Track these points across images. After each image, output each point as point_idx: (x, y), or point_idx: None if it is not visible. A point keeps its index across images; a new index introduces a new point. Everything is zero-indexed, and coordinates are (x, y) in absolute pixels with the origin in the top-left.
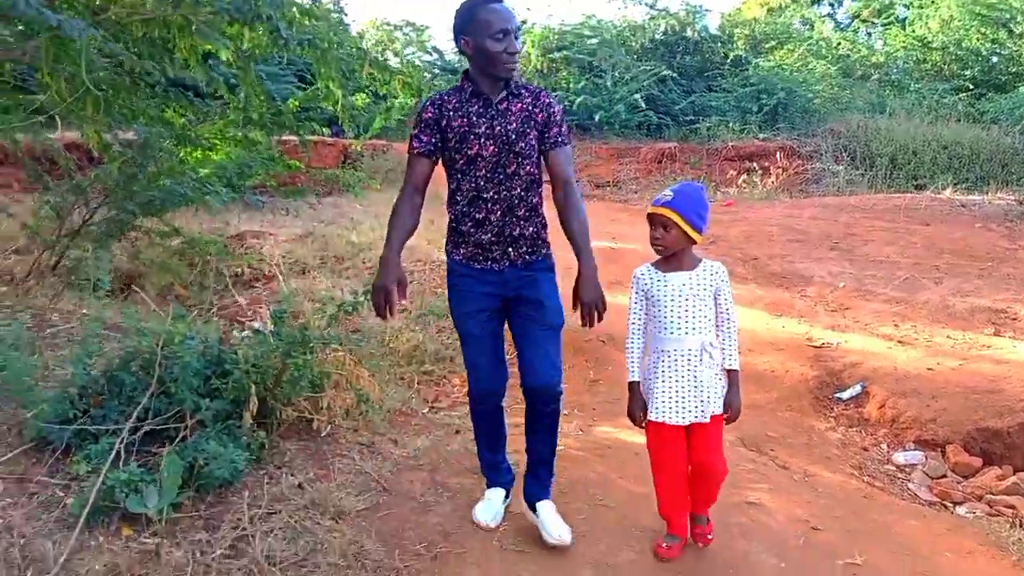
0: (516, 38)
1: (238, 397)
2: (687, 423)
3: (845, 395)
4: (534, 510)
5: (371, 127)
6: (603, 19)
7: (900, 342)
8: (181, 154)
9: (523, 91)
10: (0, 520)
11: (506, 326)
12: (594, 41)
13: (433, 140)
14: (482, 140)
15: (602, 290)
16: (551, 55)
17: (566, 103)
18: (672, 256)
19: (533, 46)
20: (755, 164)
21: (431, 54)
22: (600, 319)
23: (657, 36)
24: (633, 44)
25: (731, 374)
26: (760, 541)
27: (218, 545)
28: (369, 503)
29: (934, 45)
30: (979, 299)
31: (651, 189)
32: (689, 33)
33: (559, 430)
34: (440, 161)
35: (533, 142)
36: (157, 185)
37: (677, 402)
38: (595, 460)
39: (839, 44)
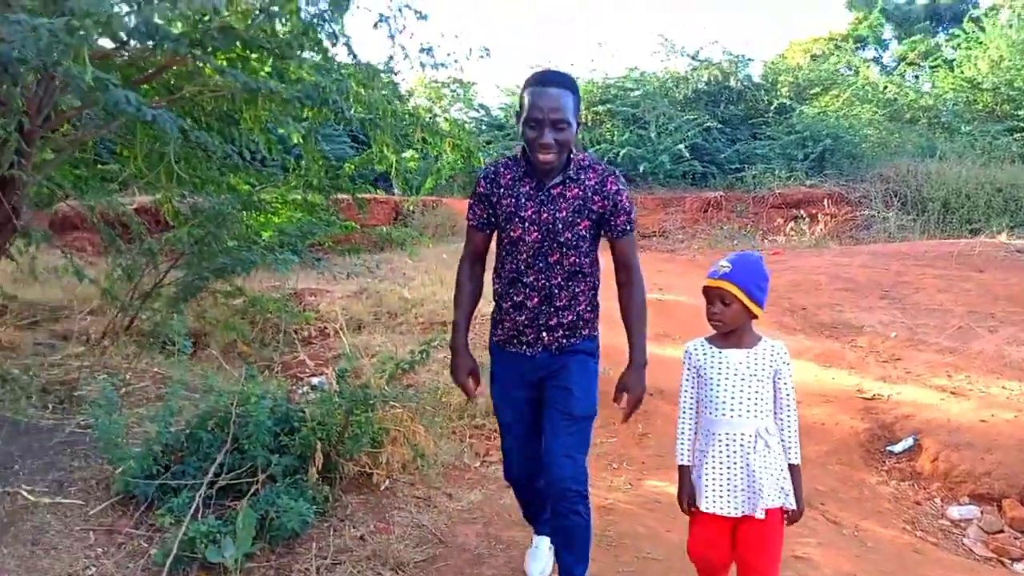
0: (557, 130)
1: (304, 453)
2: (737, 515)
3: (897, 448)
4: None
5: (423, 187)
6: (646, 71)
7: (953, 393)
8: (246, 219)
9: (587, 173)
10: (94, 568)
11: None
12: (637, 93)
13: (485, 215)
14: (526, 225)
15: (645, 385)
16: (595, 108)
17: (610, 155)
18: (730, 331)
19: None
20: (802, 212)
21: (478, 111)
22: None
23: (700, 86)
24: (676, 95)
25: (793, 469)
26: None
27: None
28: (426, 555)
29: (984, 86)
30: None
31: (697, 238)
32: (732, 82)
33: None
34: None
35: (583, 232)
36: (228, 251)
37: (729, 491)
38: (644, 514)
39: (886, 87)
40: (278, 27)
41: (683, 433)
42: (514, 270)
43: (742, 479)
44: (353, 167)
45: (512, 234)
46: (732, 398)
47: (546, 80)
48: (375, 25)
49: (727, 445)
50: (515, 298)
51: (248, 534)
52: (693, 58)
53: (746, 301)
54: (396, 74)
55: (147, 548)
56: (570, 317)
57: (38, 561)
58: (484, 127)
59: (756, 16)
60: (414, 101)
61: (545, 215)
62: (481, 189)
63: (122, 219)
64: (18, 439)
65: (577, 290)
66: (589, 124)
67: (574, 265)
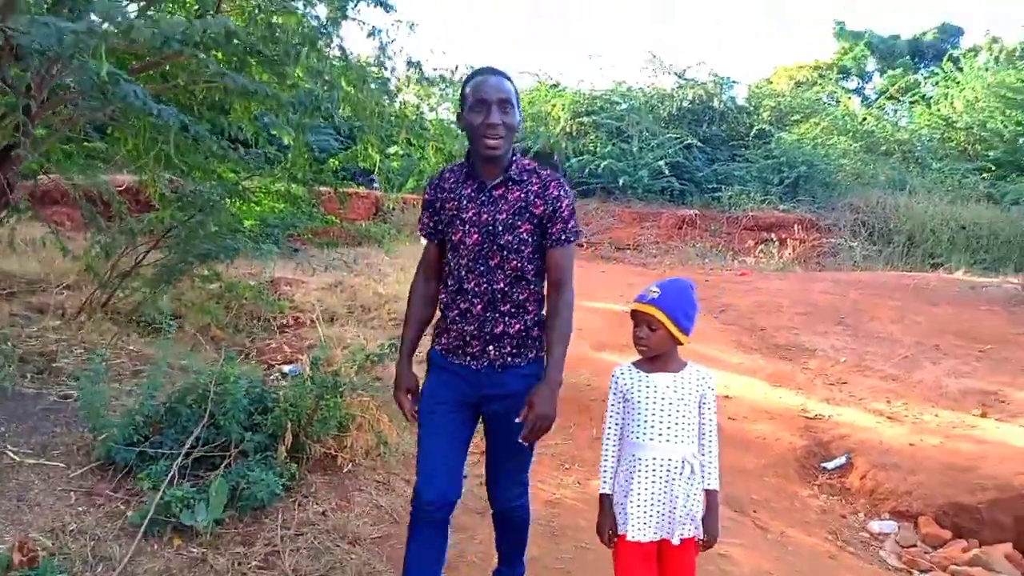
0: (503, 111)
1: (276, 432)
2: (655, 539)
3: (830, 465)
4: None
5: (404, 186)
6: (633, 86)
7: (889, 418)
8: (230, 207)
9: (530, 176)
10: (75, 525)
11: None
12: (623, 107)
13: (432, 223)
14: (466, 227)
15: (554, 409)
16: (580, 119)
17: (592, 166)
18: (656, 356)
19: (564, 109)
20: (773, 235)
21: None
22: (540, 435)
23: (684, 104)
24: (661, 112)
25: (710, 495)
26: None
27: (253, 558)
28: (382, 532)
29: (959, 125)
30: (973, 381)
31: (670, 254)
32: (716, 103)
33: (529, 539)
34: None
35: (525, 236)
36: (212, 237)
37: (651, 516)
38: (587, 510)
39: (865, 119)
40: (278, 34)
41: (606, 460)
42: (458, 277)
43: (665, 504)
44: (337, 162)
45: (454, 238)
46: (660, 422)
47: (486, 71)
48: (368, 35)
49: (653, 471)
50: (461, 306)
51: (220, 501)
52: (680, 76)
53: (671, 328)
54: (386, 72)
55: (124, 510)
56: (517, 326)
57: (23, 515)
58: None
59: (746, 39)
60: (402, 97)
61: (485, 216)
62: (428, 196)
63: (104, 197)
64: (3, 404)
65: (521, 297)
66: (573, 134)
67: (516, 270)
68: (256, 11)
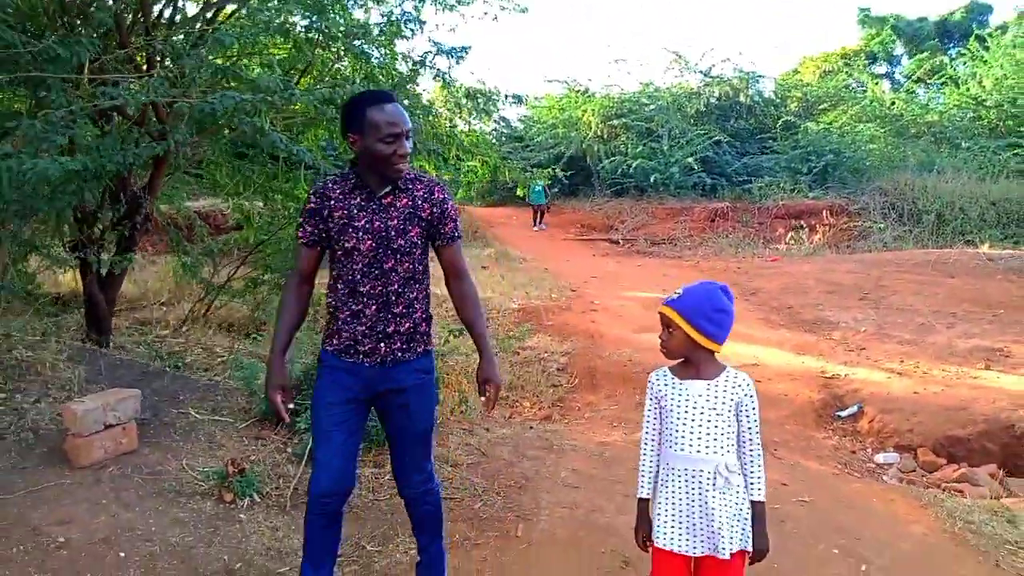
0: (408, 139)
1: None
2: (696, 554)
3: (844, 413)
4: None
5: (455, 197)
6: (660, 87)
7: (900, 374)
8: None
9: (415, 184)
10: (254, 455)
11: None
12: (651, 108)
13: (316, 231)
14: (360, 234)
15: (499, 373)
16: (610, 122)
17: (624, 166)
18: (690, 362)
19: (593, 114)
20: (803, 222)
21: (498, 123)
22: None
23: (712, 101)
24: (688, 110)
25: (756, 506)
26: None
27: (384, 476)
28: (473, 460)
29: (988, 103)
30: (982, 340)
31: (704, 246)
32: (742, 98)
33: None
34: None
35: (415, 239)
36: (287, 251)
37: (687, 529)
38: (633, 450)
39: (893, 103)
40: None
41: (644, 465)
42: (350, 281)
43: (701, 518)
44: None
45: (347, 245)
46: (691, 432)
47: (385, 98)
48: (434, 78)
49: (685, 481)
50: (353, 308)
51: None
52: (705, 75)
53: (688, 330)
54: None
55: (286, 447)
56: (407, 324)
57: (215, 452)
58: (504, 138)
59: (770, 34)
60: (436, 108)
61: (377, 223)
62: (312, 205)
63: (188, 222)
64: (176, 381)
65: (412, 296)
66: (605, 136)
67: (408, 271)
68: (361, 63)
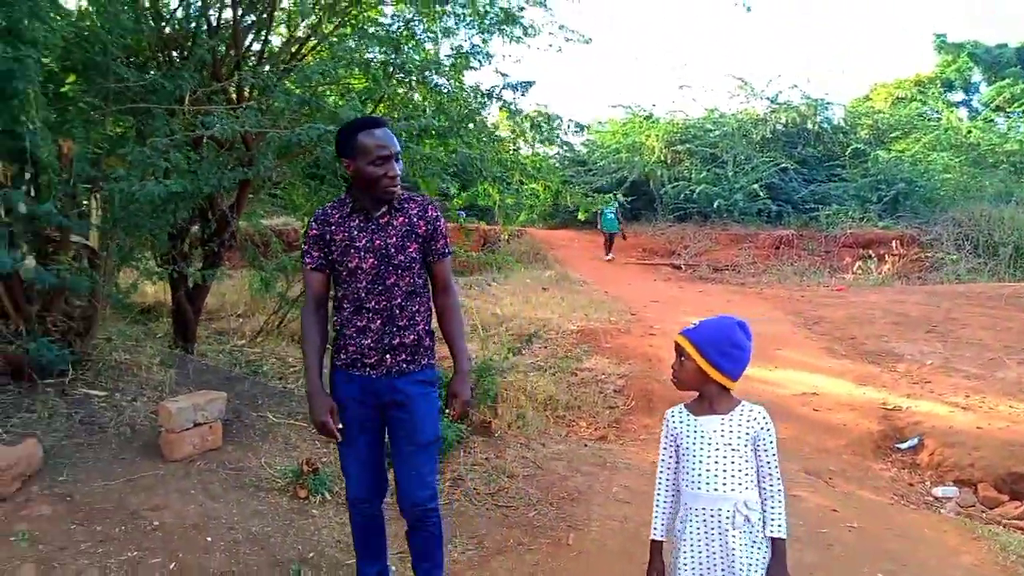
0: (397, 161)
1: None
2: None
3: (904, 445)
4: None
5: (518, 219)
6: (725, 113)
7: (964, 408)
8: None
9: (408, 203)
10: (325, 457)
11: None
12: (716, 133)
13: (321, 255)
14: (362, 253)
15: (470, 392)
16: (674, 147)
17: (687, 192)
18: (703, 396)
19: (657, 139)
20: (871, 252)
21: (561, 147)
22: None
23: (778, 128)
24: (754, 136)
25: (776, 543)
26: (792, 513)
27: (446, 479)
28: (529, 472)
29: None
30: None
31: (768, 273)
32: (810, 125)
33: (445, 555)
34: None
35: (414, 255)
36: None
37: (707, 570)
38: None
39: (970, 132)
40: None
41: (657, 505)
42: (356, 299)
43: (721, 558)
44: (462, 201)
45: (350, 264)
46: (708, 470)
47: (375, 123)
48: (500, 109)
49: (704, 521)
50: (359, 324)
51: None
52: (772, 101)
53: (700, 362)
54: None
55: None
56: (412, 337)
57: (290, 453)
58: (567, 162)
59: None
60: (500, 134)
61: (378, 242)
62: (314, 232)
63: (264, 239)
64: (255, 387)
65: (414, 309)
66: (668, 162)
67: (410, 285)
68: (433, 94)
